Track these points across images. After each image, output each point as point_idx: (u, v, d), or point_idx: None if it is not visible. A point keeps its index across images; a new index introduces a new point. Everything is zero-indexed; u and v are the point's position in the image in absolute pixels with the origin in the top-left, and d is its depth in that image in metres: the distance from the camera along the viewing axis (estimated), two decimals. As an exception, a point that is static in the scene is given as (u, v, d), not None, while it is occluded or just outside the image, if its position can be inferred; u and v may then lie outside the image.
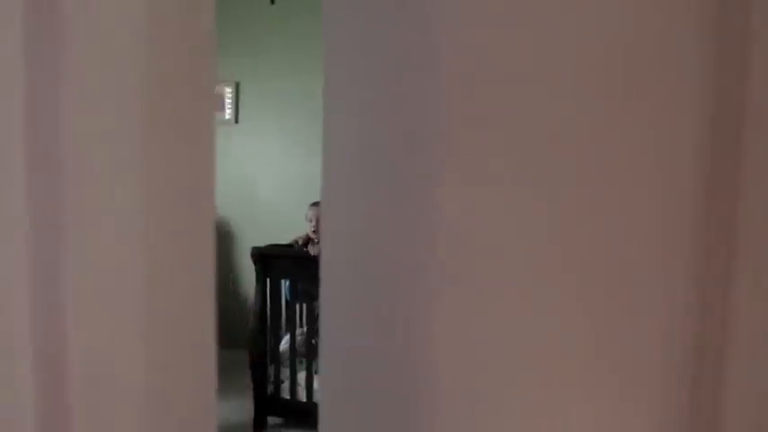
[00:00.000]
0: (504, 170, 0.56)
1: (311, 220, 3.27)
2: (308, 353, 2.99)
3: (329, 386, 0.61)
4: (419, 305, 0.56)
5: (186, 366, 0.53)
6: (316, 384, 2.98)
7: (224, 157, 4.03)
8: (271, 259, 3.01)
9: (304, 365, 3.00)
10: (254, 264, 3.02)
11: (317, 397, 2.97)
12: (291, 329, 3.05)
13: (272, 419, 3.10)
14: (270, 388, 3.06)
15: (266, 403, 3.06)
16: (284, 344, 3.15)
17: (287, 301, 3.12)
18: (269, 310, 3.03)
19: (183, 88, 0.48)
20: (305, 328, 3.20)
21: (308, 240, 3.31)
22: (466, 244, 0.55)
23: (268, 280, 3.02)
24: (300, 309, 3.34)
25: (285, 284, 3.07)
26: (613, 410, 0.55)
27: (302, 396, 3.00)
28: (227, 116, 3.98)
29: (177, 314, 0.52)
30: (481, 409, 0.55)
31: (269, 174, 3.94)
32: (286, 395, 3.04)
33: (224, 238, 4.05)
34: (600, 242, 0.55)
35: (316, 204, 3.39)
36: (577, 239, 0.54)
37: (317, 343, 3.01)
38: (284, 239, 3.40)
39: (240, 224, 4.02)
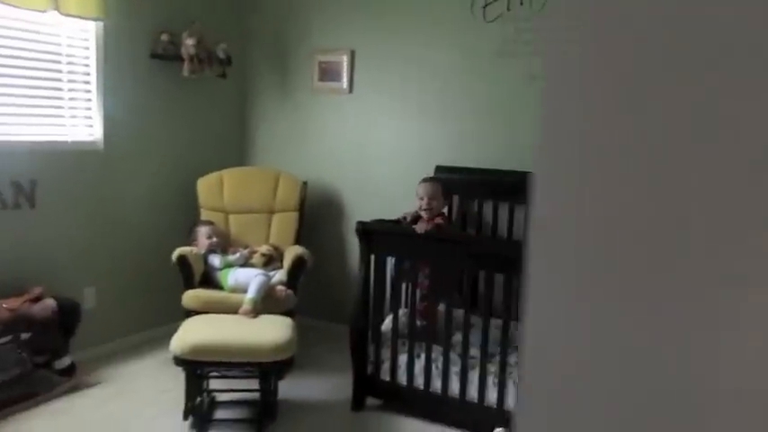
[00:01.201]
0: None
1: (422, 198, 3.10)
2: (411, 335, 2.84)
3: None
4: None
5: None
6: (417, 368, 2.83)
7: (337, 128, 3.94)
8: (375, 235, 2.87)
9: (406, 348, 2.85)
10: (359, 239, 2.90)
11: (417, 382, 2.82)
12: (395, 309, 2.91)
13: (370, 400, 3.00)
14: (369, 368, 2.96)
15: (365, 383, 2.96)
16: (387, 324, 3.02)
17: (392, 279, 2.97)
18: (372, 288, 2.91)
19: None
20: (408, 309, 3.06)
21: (417, 217, 3.14)
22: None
23: (372, 257, 2.89)
24: (406, 288, 3.20)
25: (391, 262, 2.92)
26: None
27: (402, 379, 2.87)
28: (344, 85, 3.87)
29: None
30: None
31: (383, 145, 3.80)
32: (386, 377, 2.92)
33: (335, 211, 3.98)
34: None
35: (427, 180, 3.20)
36: None
37: (421, 326, 2.86)
38: (397, 213, 3.25)
39: (352, 196, 3.93)
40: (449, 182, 3.31)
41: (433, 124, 3.62)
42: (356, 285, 2.95)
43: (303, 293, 3.88)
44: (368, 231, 2.87)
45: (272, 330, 2.67)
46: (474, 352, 2.74)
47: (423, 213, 3.10)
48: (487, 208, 3.45)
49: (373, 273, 2.89)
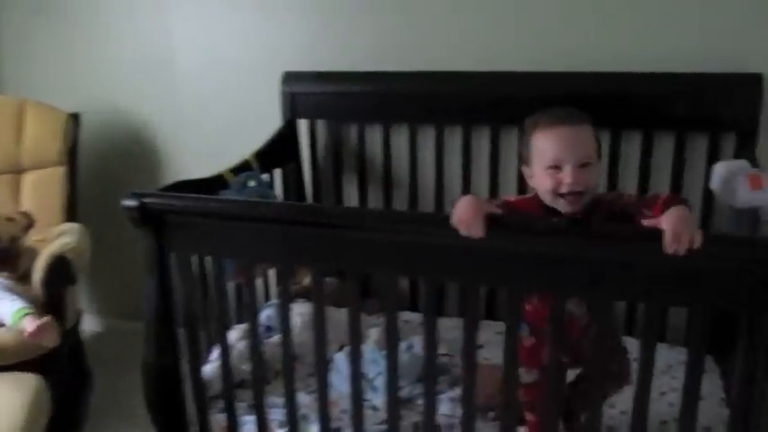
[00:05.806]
0: None
1: (557, 164, 1.32)
2: (257, 379, 1.57)
3: None
4: None
5: None
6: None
7: (124, 17, 2.43)
8: (171, 218, 1.51)
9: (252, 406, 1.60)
10: (135, 227, 1.53)
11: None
12: (221, 338, 1.60)
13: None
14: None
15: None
16: (211, 365, 1.73)
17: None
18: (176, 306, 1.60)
19: None
20: (247, 326, 1.73)
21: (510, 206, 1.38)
22: None
23: (172, 256, 1.55)
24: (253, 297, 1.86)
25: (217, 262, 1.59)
26: None
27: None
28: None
29: None
30: None
31: (197, 46, 2.36)
32: (221, 455, 1.67)
33: (132, 157, 2.53)
34: None
35: (563, 121, 1.36)
36: None
37: (285, 361, 1.54)
38: (232, 156, 1.90)
39: (160, 132, 2.51)
40: (305, 100, 1.99)
41: (277, 8, 2.22)
42: (145, 308, 1.61)
43: (91, 287, 2.48)
44: (152, 212, 1.50)
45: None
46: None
47: (561, 204, 1.32)
48: (373, 135, 2.17)
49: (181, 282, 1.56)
